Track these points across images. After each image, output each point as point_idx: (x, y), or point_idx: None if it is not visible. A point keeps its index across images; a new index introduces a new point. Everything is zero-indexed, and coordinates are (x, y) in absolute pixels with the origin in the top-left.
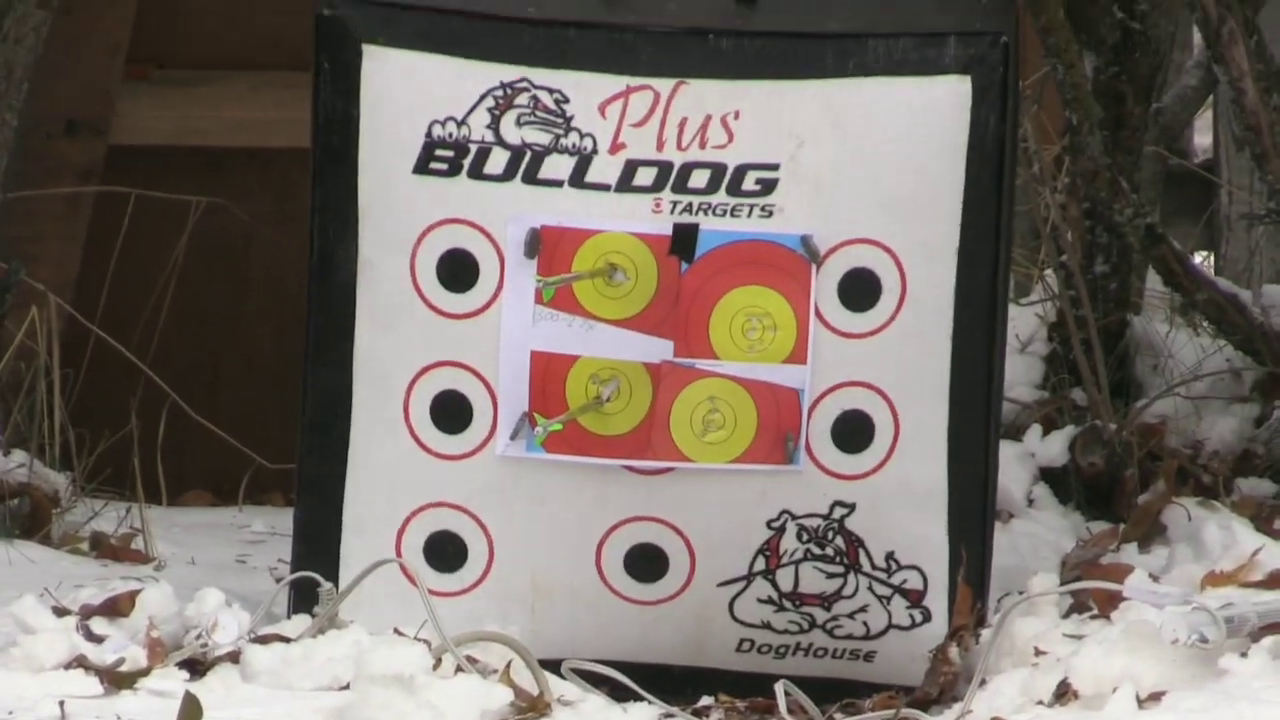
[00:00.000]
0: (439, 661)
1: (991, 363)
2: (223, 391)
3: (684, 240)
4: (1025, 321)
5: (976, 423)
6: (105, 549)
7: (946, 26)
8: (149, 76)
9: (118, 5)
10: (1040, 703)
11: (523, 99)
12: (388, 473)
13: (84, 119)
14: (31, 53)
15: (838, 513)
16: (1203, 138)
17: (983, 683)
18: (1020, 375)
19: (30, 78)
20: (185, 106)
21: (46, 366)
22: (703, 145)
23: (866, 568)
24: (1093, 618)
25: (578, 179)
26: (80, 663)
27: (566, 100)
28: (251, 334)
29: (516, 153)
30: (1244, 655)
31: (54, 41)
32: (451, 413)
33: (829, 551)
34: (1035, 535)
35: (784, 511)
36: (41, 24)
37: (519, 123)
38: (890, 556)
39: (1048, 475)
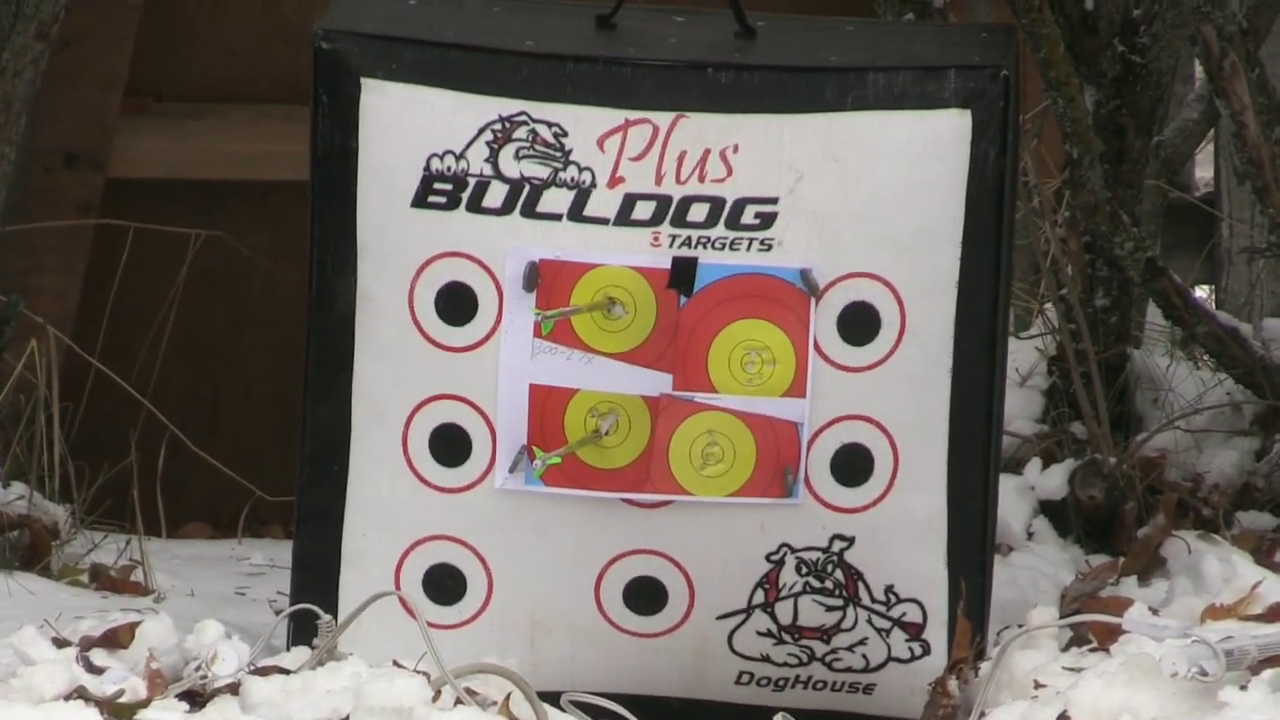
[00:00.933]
0: (438, 694)
1: (991, 396)
2: (222, 424)
3: (683, 274)
4: (1025, 355)
5: (976, 456)
6: (105, 581)
7: (946, 60)
8: (148, 109)
9: (116, 38)
10: None
11: (521, 132)
12: (386, 505)
13: (83, 152)
14: (30, 85)
15: (837, 546)
16: (1204, 171)
17: (981, 715)
18: (1020, 409)
19: (29, 110)
20: (184, 139)
21: (46, 399)
22: (701, 179)
23: (866, 601)
24: (1092, 651)
25: (576, 212)
26: (80, 694)
27: (565, 134)
28: (251, 367)
29: (515, 186)
30: (1244, 688)
31: (52, 74)
32: (450, 446)
33: (828, 585)
34: (1035, 568)
35: (783, 545)
36: (40, 56)
37: (517, 156)
38: (889, 589)
39: (1047, 508)
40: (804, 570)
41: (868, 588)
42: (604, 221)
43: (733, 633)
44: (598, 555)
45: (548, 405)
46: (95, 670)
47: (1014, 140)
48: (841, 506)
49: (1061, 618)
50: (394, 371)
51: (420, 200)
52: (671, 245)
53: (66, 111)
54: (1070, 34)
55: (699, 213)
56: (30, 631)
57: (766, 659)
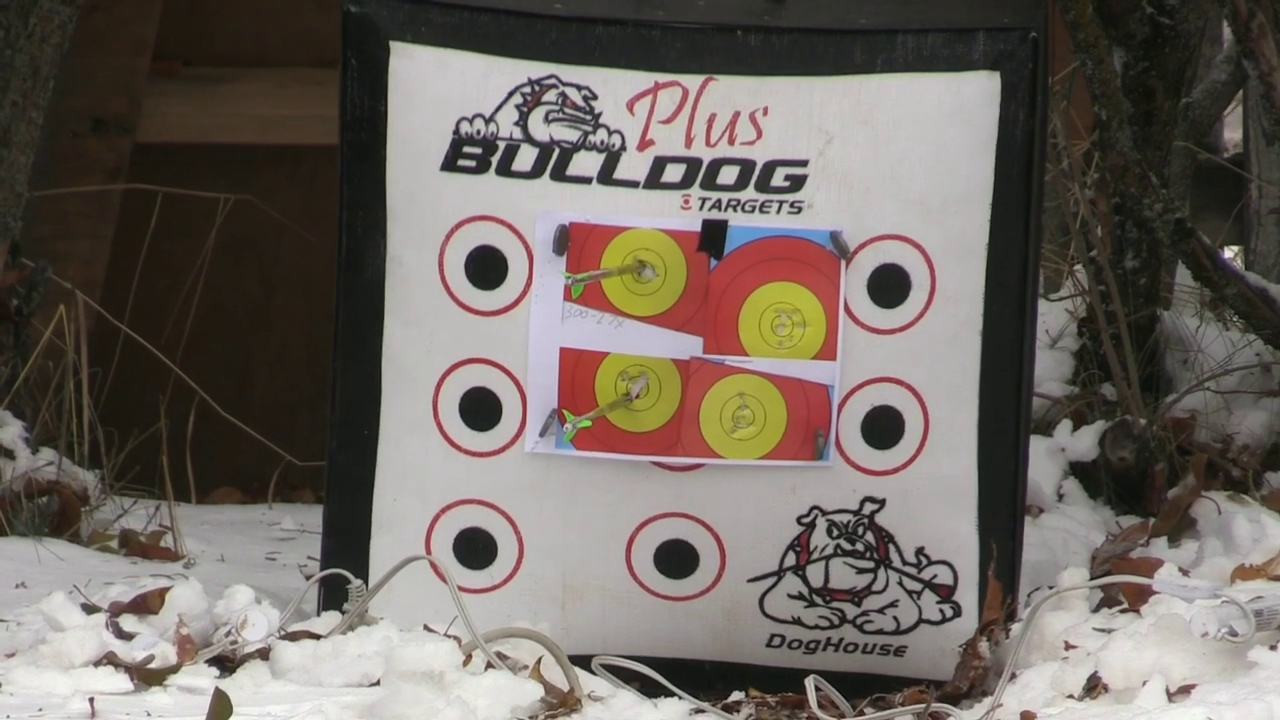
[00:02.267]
0: (469, 658)
1: (1021, 358)
2: (252, 389)
3: (713, 236)
4: (1055, 317)
5: (1006, 418)
6: (134, 546)
7: (975, 22)
8: (176, 74)
9: (144, 2)
10: (1070, 696)
11: (551, 95)
12: (417, 470)
13: (111, 117)
14: (57, 50)
15: (868, 508)
16: (1232, 132)
17: (1013, 677)
18: (1050, 370)
19: (56, 76)
20: (212, 104)
21: (75, 365)
22: (731, 141)
23: (897, 563)
24: (1122, 612)
25: (606, 175)
26: (110, 660)
27: (595, 97)
28: (281, 331)
29: (545, 149)
30: (1274, 648)
31: (80, 39)
32: (480, 410)
33: (859, 547)
34: (1065, 530)
35: (814, 507)
36: (67, 21)
37: (547, 119)
38: (920, 551)
39: (1078, 470)
40: (835, 533)
41: (899, 550)
42: (634, 184)
43: (764, 595)
44: (629, 519)
45: (578, 369)
46: (125, 636)
47: (1043, 102)
48: (872, 469)
49: (1092, 579)
50: (424, 336)
51: (450, 164)
52: (702, 208)
53: (94, 77)
54: None
55: (729, 175)
56: (60, 598)
57: (798, 621)
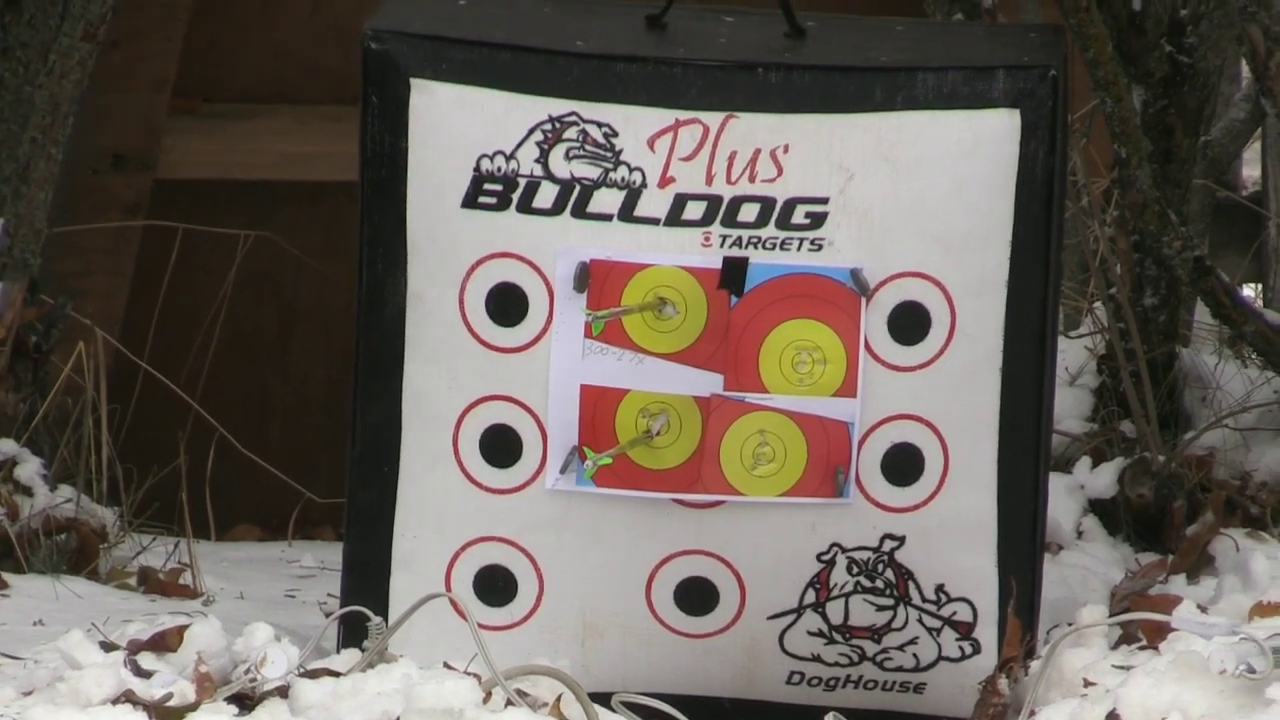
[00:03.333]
0: (489, 695)
1: (1041, 395)
2: (272, 426)
3: (734, 274)
4: (1074, 354)
5: (1026, 455)
6: (153, 584)
7: (995, 60)
8: (196, 110)
9: (164, 39)
10: None
11: (571, 133)
12: (437, 507)
13: (130, 153)
14: (77, 86)
15: (887, 545)
16: (1251, 170)
17: (1031, 714)
18: (1069, 408)
19: (75, 112)
20: (232, 140)
21: (94, 401)
22: (752, 179)
23: (916, 600)
24: (1141, 649)
25: (627, 213)
26: (128, 698)
27: (615, 134)
28: (301, 368)
29: (565, 186)
30: None
31: (100, 75)
32: (501, 447)
33: (879, 584)
34: (1084, 567)
35: (834, 544)
36: (87, 58)
37: (568, 156)
38: (940, 589)
39: (1097, 507)
40: (855, 570)
41: (918, 587)
42: (655, 222)
43: (784, 633)
44: (649, 556)
45: (599, 406)
46: (143, 674)
47: (1063, 140)
48: (892, 506)
49: (1111, 616)
50: (444, 372)
51: (471, 201)
52: (722, 245)
53: (114, 113)
54: (1118, 34)
55: (750, 213)
56: (78, 635)
57: (817, 659)
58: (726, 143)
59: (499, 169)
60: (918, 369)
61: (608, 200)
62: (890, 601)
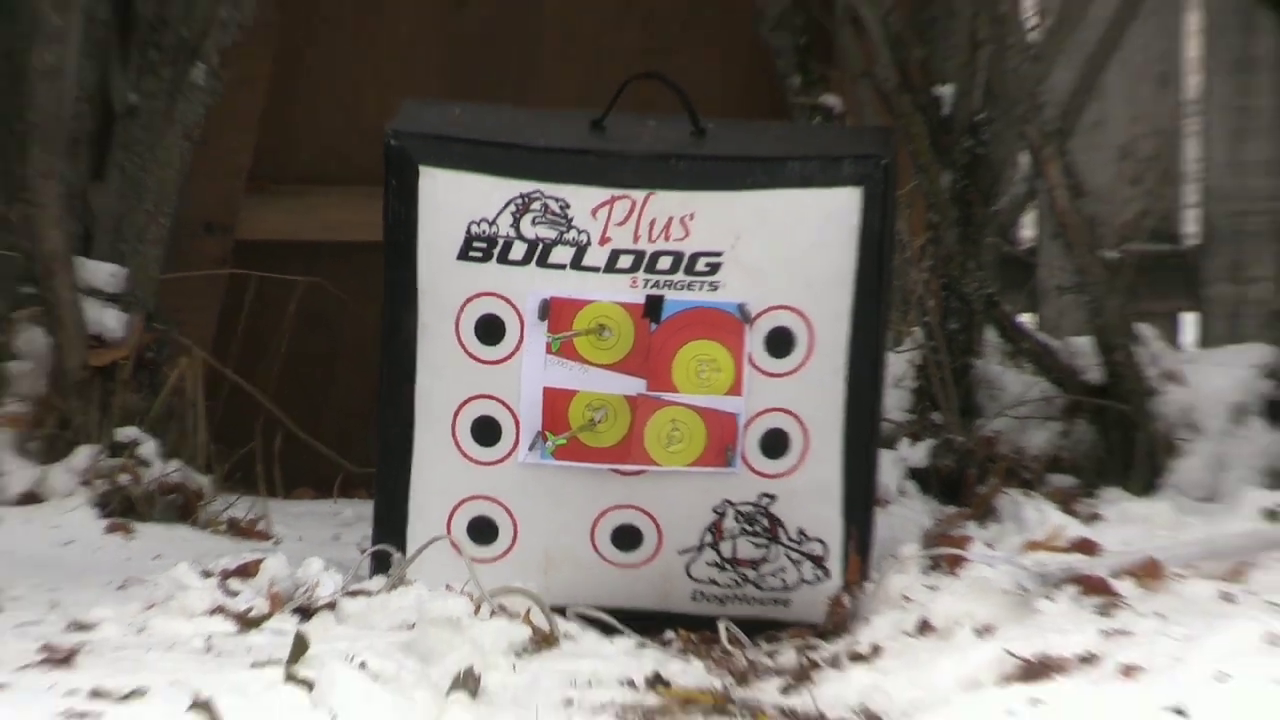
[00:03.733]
0: (479, 608)
1: (875, 395)
2: (323, 416)
3: (653, 307)
4: (899, 365)
5: (863, 437)
6: (237, 530)
7: (843, 152)
8: (265, 190)
9: (242, 137)
10: (906, 634)
11: (536, 205)
12: (440, 474)
13: (217, 222)
14: (179, 174)
15: (764, 501)
16: (1028, 231)
17: (866, 620)
18: (895, 403)
19: (178, 192)
20: (292, 212)
21: (192, 400)
22: (666, 238)
23: (784, 540)
24: (945, 574)
25: (576, 263)
26: (220, 610)
27: (568, 206)
28: (343, 380)
29: (531, 244)
30: (1051, 600)
31: (196, 164)
32: (486, 431)
33: (757, 529)
34: (905, 516)
35: (725, 500)
36: (187, 152)
37: (533, 222)
38: (801, 532)
39: (914, 474)
40: (740, 519)
41: (785, 531)
42: (596, 269)
43: (689, 564)
44: (592, 509)
45: (556, 402)
46: (231, 594)
47: (892, 210)
48: (767, 473)
49: (924, 551)
50: (445, 379)
51: (463, 255)
52: (645, 286)
53: (206, 192)
54: (932, 132)
55: (665, 263)
56: (184, 566)
57: (713, 582)
58: (648, 213)
59: (484, 231)
60: (786, 375)
61: (562, 254)
62: (765, 541)
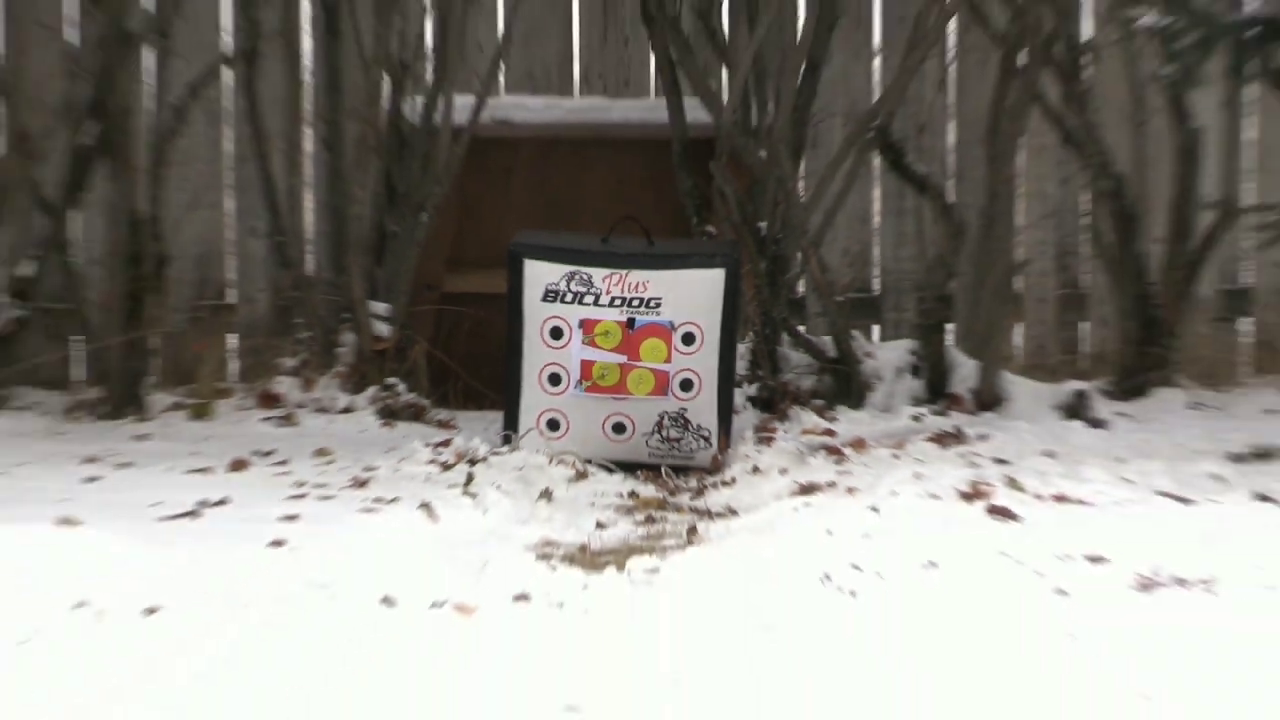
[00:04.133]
0: (551, 460)
1: (731, 362)
2: (481, 372)
3: (631, 323)
4: (742, 349)
5: (725, 383)
6: (442, 425)
7: (717, 252)
8: (456, 267)
9: (444, 241)
10: (747, 473)
11: (576, 277)
12: (533, 400)
13: (433, 283)
14: (414, 260)
15: (682, 412)
16: (802, 288)
17: (729, 467)
18: (741, 366)
19: (413, 268)
20: (468, 278)
21: (421, 366)
22: (637, 291)
23: (691, 430)
24: (765, 445)
25: (595, 302)
26: (433, 462)
27: (591, 277)
28: (491, 355)
29: (575, 294)
30: (814, 457)
31: (421, 255)
32: (554, 380)
33: (679, 424)
34: (746, 420)
35: (663, 412)
36: (417, 250)
37: (575, 284)
38: (699, 426)
39: (750, 400)
40: (670, 420)
41: (691, 425)
42: (604, 305)
43: (648, 440)
44: (602, 415)
45: (587, 366)
46: (439, 454)
47: (739, 278)
48: (683, 399)
49: (754, 435)
50: (535, 355)
51: (543, 299)
52: (626, 313)
53: (426, 267)
54: (756, 243)
55: (636, 303)
56: (417, 442)
57: (659, 448)
58: (629, 280)
59: (554, 289)
60: (691, 354)
61: (589, 299)
62: (682, 431)
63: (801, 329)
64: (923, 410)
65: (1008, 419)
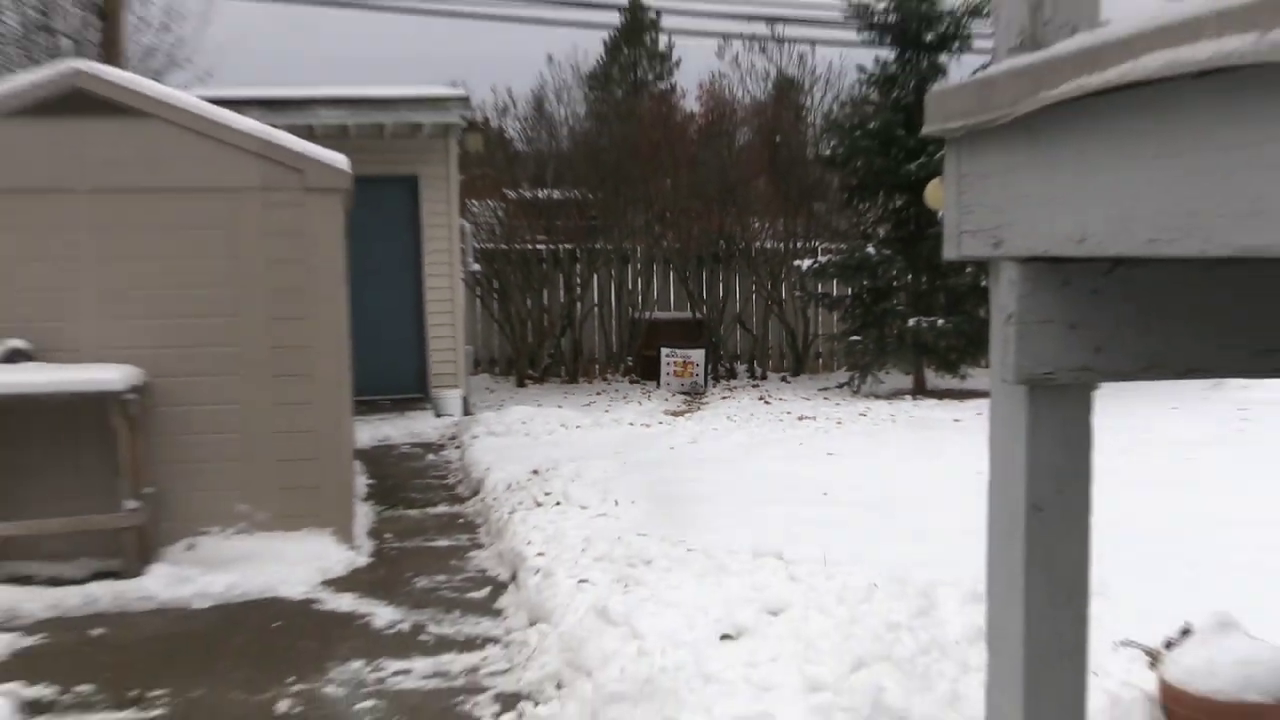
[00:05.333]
0: (671, 392)
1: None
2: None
3: None
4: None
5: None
6: (685, 393)
7: None
8: None
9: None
10: (718, 398)
11: None
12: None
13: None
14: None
15: (694, 367)
16: None
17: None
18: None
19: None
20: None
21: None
22: None
23: (696, 376)
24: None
25: None
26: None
27: None
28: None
29: None
30: (731, 392)
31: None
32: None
33: (694, 372)
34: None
35: (689, 363)
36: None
37: None
38: (697, 376)
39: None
40: (692, 370)
41: (696, 373)
42: None
43: (681, 382)
44: (669, 369)
45: None
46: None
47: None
48: (695, 366)
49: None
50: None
51: None
52: None
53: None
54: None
55: None
56: (665, 394)
57: (682, 385)
58: None
59: None
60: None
61: None
62: (695, 377)
63: None
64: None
65: None
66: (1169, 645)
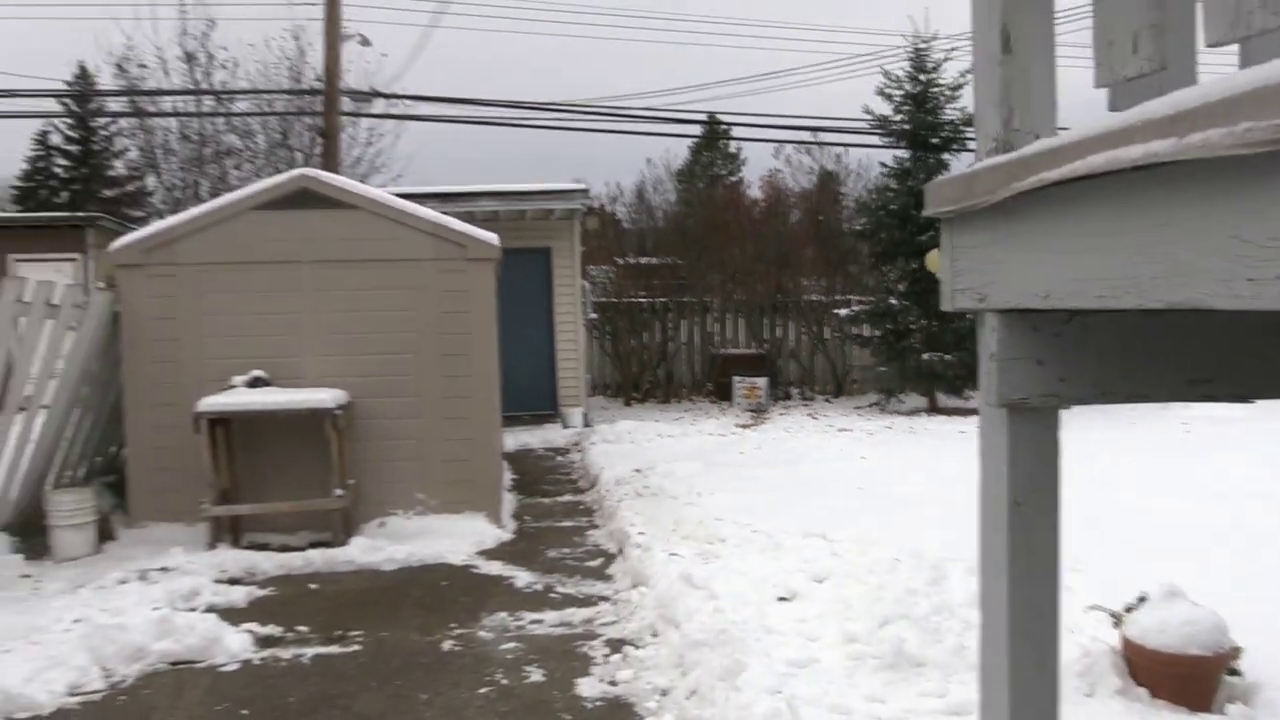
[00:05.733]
0: (742, 409)
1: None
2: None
3: None
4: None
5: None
6: (750, 411)
7: None
8: None
9: None
10: (777, 414)
11: None
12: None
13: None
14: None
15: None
16: None
17: (769, 414)
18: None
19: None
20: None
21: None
22: None
23: (764, 400)
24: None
25: None
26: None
27: None
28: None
29: None
30: (787, 413)
31: None
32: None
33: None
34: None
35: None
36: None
37: None
38: (763, 400)
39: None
40: (760, 394)
41: (764, 399)
42: None
43: (749, 403)
44: (741, 390)
45: None
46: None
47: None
48: (760, 389)
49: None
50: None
51: None
52: None
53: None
54: None
55: None
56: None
57: (751, 405)
58: None
59: None
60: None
61: None
62: (761, 402)
63: None
64: None
65: None
66: (1129, 609)
